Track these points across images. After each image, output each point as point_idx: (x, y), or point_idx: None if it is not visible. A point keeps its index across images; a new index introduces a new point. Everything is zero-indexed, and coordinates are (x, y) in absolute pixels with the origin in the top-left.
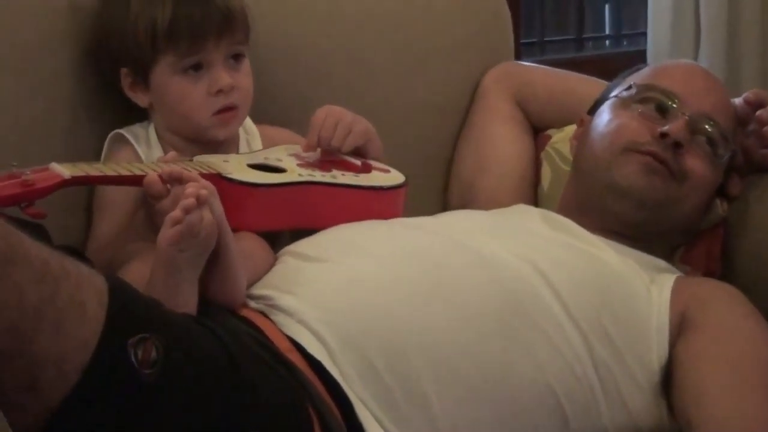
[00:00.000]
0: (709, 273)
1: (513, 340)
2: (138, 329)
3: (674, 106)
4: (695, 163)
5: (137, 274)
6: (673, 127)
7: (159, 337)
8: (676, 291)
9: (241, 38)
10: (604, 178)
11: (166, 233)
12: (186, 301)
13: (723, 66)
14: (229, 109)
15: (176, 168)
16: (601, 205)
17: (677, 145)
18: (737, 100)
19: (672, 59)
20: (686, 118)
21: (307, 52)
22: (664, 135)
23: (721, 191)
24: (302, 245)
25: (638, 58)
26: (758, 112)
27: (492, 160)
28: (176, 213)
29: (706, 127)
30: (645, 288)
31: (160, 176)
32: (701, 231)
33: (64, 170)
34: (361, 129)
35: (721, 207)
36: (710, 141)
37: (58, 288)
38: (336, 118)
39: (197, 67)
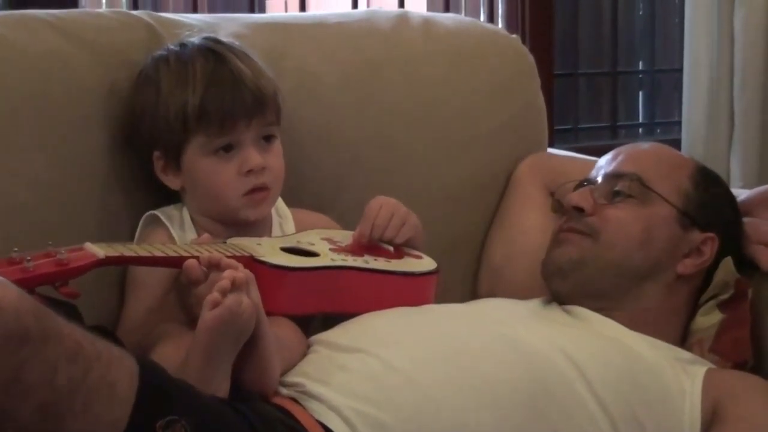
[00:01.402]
0: (739, 362)
1: (544, 429)
2: (167, 411)
3: (584, 184)
4: (608, 213)
5: (169, 355)
6: (572, 196)
7: (188, 419)
8: (707, 383)
9: (272, 119)
10: (541, 271)
11: (206, 316)
12: (219, 386)
13: (756, 155)
14: (260, 189)
15: (216, 255)
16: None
17: (580, 211)
18: None
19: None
20: (590, 187)
21: (340, 138)
22: (568, 209)
23: (744, 263)
24: (334, 334)
25: (672, 147)
26: None
27: (523, 249)
28: (214, 295)
29: (614, 183)
30: (677, 380)
31: (198, 261)
32: (728, 319)
33: (99, 250)
34: (414, 222)
35: (731, 273)
36: (623, 191)
37: (89, 368)
38: (391, 210)
39: (228, 148)
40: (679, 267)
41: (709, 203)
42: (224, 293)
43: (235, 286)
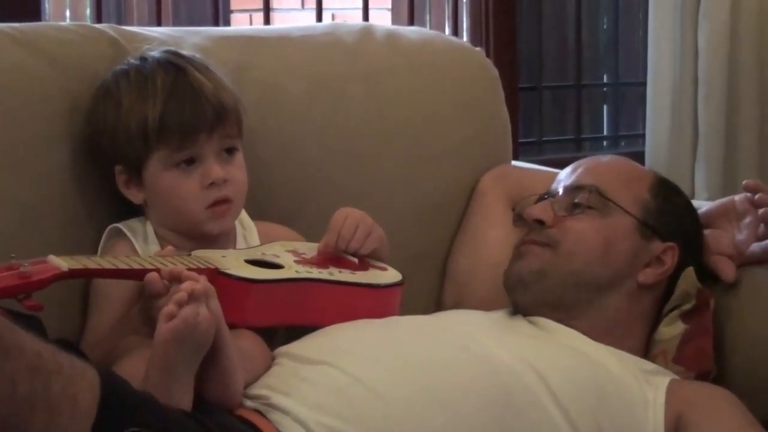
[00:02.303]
0: (702, 372)
1: None
2: (129, 423)
3: (545, 197)
4: (568, 225)
5: (132, 368)
6: (532, 209)
7: (151, 431)
8: (670, 394)
9: (233, 132)
10: (503, 283)
11: (161, 328)
12: (181, 398)
13: (720, 168)
14: (223, 202)
15: (177, 268)
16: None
17: (540, 223)
18: (737, 197)
19: (669, 161)
20: (550, 200)
21: (304, 151)
22: (529, 222)
23: (706, 274)
24: (298, 347)
25: (636, 160)
26: (757, 196)
27: (487, 261)
28: (170, 307)
29: (573, 195)
30: (641, 391)
31: (160, 274)
32: (690, 329)
33: (62, 263)
34: (379, 233)
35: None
36: (583, 202)
37: (50, 381)
38: (356, 221)
39: (190, 162)
40: (640, 276)
41: (668, 213)
42: (180, 305)
43: (192, 298)
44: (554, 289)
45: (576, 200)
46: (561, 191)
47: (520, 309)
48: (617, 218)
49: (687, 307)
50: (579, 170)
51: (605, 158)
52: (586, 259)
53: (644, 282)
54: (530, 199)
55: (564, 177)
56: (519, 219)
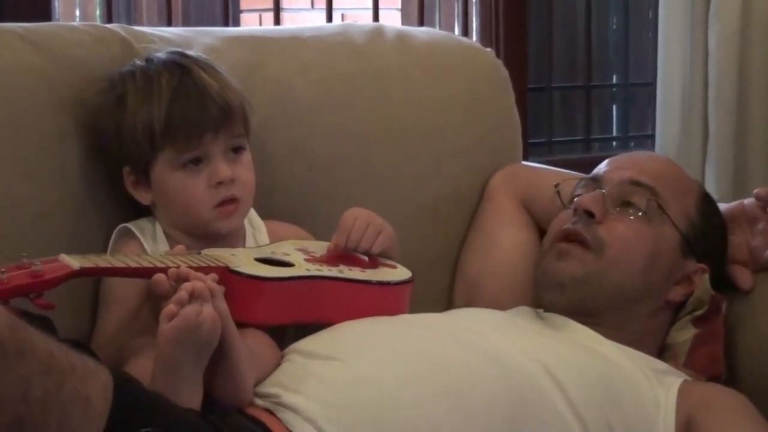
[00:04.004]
0: (713, 376)
1: None
2: (142, 424)
3: (594, 184)
4: (617, 228)
5: (142, 368)
6: (583, 198)
7: None
8: (682, 394)
9: (240, 131)
10: (535, 276)
11: (163, 328)
12: (188, 398)
13: (730, 170)
14: (231, 201)
15: (182, 269)
16: (540, 300)
17: (590, 215)
18: (747, 201)
19: (679, 162)
20: (601, 190)
21: (314, 151)
22: (576, 211)
23: (726, 282)
24: (308, 343)
25: None
26: None
27: (497, 262)
28: (170, 307)
29: (629, 191)
30: (652, 390)
31: (167, 275)
32: (701, 334)
33: (74, 261)
34: (389, 232)
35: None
36: (637, 204)
37: (63, 381)
38: (366, 220)
39: (197, 161)
40: (670, 294)
41: (708, 233)
42: (182, 304)
43: (194, 297)
44: (591, 297)
45: (630, 199)
46: (614, 183)
47: (546, 307)
48: (666, 230)
49: (699, 312)
50: (636, 166)
51: (661, 158)
52: (627, 270)
53: (672, 300)
54: (571, 182)
55: (613, 167)
56: (562, 200)
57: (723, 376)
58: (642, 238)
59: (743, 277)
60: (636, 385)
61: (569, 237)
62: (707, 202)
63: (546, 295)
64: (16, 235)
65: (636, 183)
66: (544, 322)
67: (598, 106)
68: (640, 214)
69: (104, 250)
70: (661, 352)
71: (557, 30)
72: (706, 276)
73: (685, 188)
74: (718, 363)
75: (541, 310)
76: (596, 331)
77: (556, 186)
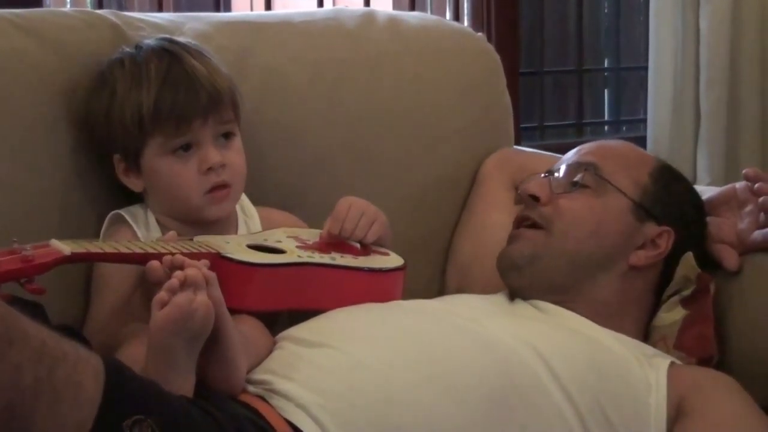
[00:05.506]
0: (704, 358)
1: (511, 422)
2: (134, 411)
3: (546, 175)
4: (562, 204)
5: (134, 355)
6: (527, 185)
7: (155, 419)
8: (672, 376)
9: (229, 117)
10: (496, 266)
11: (155, 316)
12: (181, 385)
13: (722, 153)
14: (221, 187)
15: (177, 257)
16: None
17: (535, 199)
18: (739, 184)
19: (671, 145)
20: (549, 177)
21: (306, 136)
22: (524, 198)
23: (709, 261)
24: (300, 330)
25: (638, 144)
26: (757, 185)
27: (489, 247)
28: (161, 294)
29: (572, 172)
30: (643, 373)
31: (161, 262)
32: (691, 315)
33: (65, 246)
34: (383, 220)
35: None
36: (580, 181)
37: (55, 368)
38: (360, 209)
39: (186, 147)
40: (631, 258)
41: (668, 198)
42: (173, 292)
43: (186, 285)
44: (546, 271)
45: (575, 179)
46: (563, 170)
47: (514, 292)
48: (612, 198)
49: (687, 292)
50: (582, 150)
51: (613, 142)
52: (577, 238)
53: (635, 263)
54: (533, 177)
55: (567, 157)
56: (519, 198)
57: (715, 358)
58: (587, 208)
59: (728, 256)
60: (627, 367)
61: (519, 222)
62: (666, 170)
63: (507, 280)
64: (5, 221)
65: (577, 164)
66: (534, 308)
67: (589, 91)
68: (583, 188)
69: (96, 236)
70: (650, 334)
71: (549, 14)
72: (691, 254)
73: (635, 160)
74: (708, 344)
75: (518, 299)
76: (579, 313)
77: (516, 189)
